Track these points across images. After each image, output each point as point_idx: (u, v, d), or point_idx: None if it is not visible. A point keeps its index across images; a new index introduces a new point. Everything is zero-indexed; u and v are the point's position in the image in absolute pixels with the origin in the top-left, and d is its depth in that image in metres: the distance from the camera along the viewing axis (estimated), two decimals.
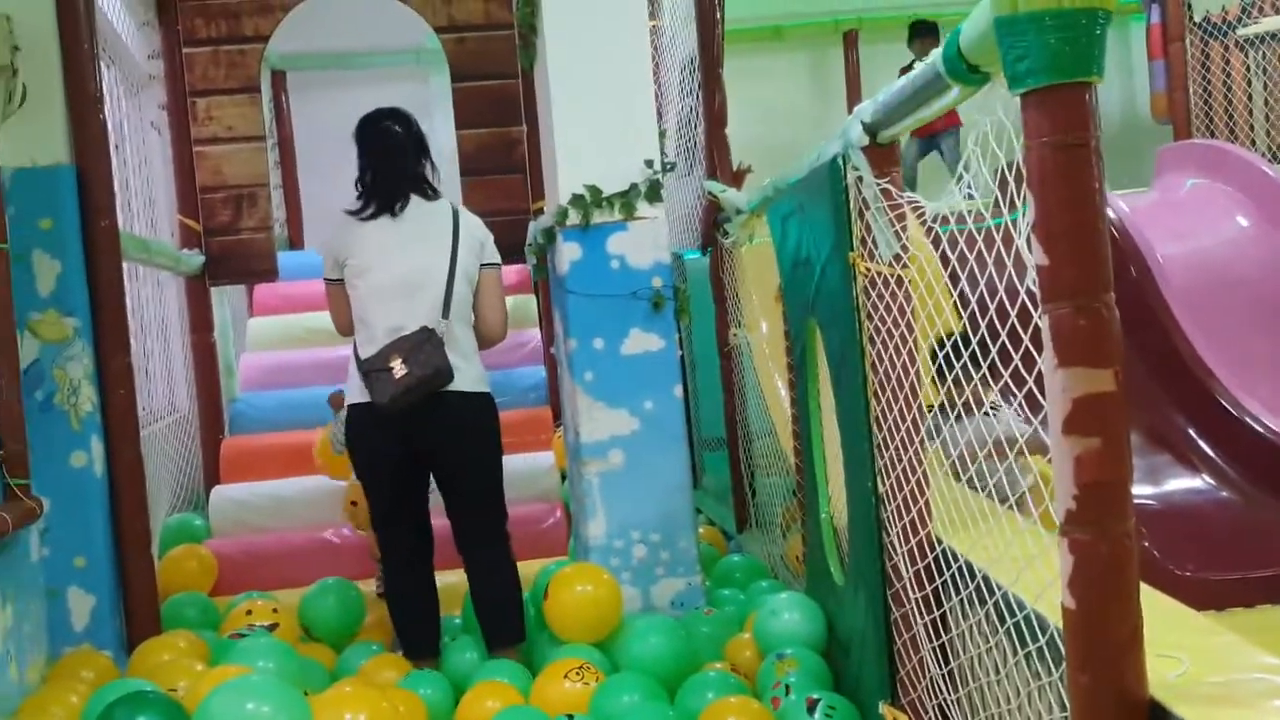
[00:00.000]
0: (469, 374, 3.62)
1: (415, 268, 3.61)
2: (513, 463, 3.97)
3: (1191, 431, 4.69)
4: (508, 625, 3.70)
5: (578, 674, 3.26)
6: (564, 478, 4.97)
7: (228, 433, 5.68)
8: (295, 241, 8.05)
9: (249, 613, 3.91)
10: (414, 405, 3.49)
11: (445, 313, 3.58)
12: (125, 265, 4.08)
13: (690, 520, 4.03)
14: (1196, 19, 6.70)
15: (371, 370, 3.51)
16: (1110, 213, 5.32)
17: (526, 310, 6.13)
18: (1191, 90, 6.63)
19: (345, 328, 3.78)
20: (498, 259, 3.81)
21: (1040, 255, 1.58)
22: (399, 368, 3.45)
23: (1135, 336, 4.90)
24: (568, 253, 3.94)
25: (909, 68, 2.08)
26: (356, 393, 3.61)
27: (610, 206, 3.93)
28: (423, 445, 3.61)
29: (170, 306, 5.88)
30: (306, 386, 5.70)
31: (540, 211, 5.02)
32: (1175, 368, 4.82)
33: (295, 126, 8.26)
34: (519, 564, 3.80)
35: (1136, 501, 4.45)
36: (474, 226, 3.77)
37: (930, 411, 3.02)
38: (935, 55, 1.94)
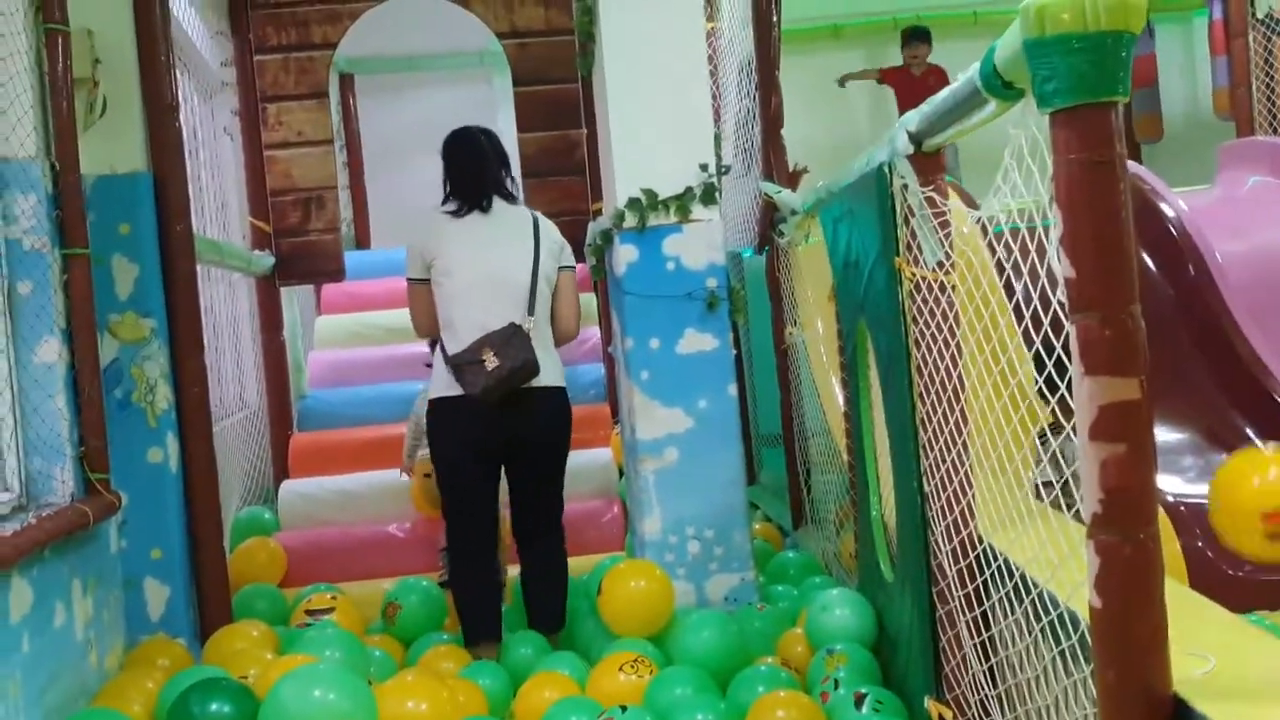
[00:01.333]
0: (553, 370, 3.79)
1: (501, 267, 3.78)
2: (572, 459, 4.05)
3: (1249, 431, 4.65)
4: (553, 611, 3.91)
5: (632, 666, 3.35)
6: (622, 474, 5.06)
7: (296, 428, 5.82)
8: (362, 241, 8.20)
9: (309, 600, 4.09)
10: (505, 397, 3.65)
11: (531, 310, 3.74)
12: (199, 267, 4.23)
13: (744, 517, 4.10)
14: (1259, 15, 6.62)
15: (463, 363, 3.66)
16: (1169, 210, 5.27)
17: (587, 309, 6.22)
18: (1255, 87, 6.56)
19: (425, 328, 3.92)
20: (574, 261, 3.99)
21: (1068, 268, 1.64)
22: (491, 359, 3.62)
23: (1192, 335, 4.86)
24: (624, 254, 4.03)
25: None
26: (443, 387, 3.75)
27: (666, 209, 4.02)
28: (509, 436, 3.75)
29: (242, 306, 6.06)
30: (373, 383, 5.85)
31: (600, 212, 5.11)
32: (1233, 367, 4.77)
33: (362, 128, 8.42)
34: (577, 558, 3.91)
35: (1191, 501, 4.40)
36: (553, 231, 3.95)
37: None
38: (973, 70, 1.99)
